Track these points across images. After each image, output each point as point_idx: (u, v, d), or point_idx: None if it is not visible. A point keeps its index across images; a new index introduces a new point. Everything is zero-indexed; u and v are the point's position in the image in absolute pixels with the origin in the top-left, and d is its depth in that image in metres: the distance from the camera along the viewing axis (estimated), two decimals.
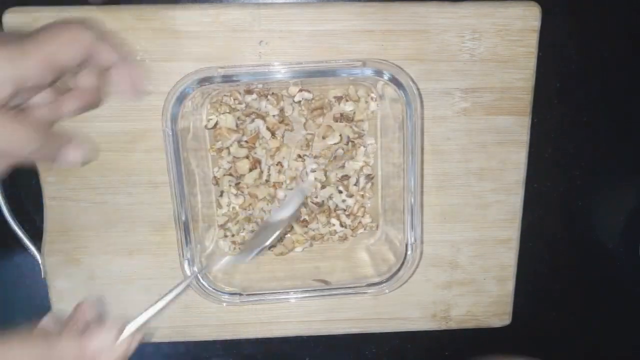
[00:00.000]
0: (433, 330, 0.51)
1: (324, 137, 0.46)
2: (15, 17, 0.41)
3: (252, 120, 0.44)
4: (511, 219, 0.48)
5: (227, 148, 0.45)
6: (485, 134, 0.46)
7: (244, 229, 0.47)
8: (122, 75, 0.37)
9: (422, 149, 0.45)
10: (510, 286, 0.50)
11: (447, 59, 0.44)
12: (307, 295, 0.44)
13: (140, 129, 0.43)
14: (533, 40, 0.44)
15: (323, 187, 0.46)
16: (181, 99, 0.38)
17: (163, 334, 0.49)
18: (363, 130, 0.46)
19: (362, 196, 0.47)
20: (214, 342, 0.52)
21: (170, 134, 0.38)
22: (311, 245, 0.48)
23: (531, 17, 0.43)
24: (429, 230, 0.48)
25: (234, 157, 0.45)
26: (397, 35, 0.43)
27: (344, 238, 0.48)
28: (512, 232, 0.49)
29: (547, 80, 0.47)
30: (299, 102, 0.45)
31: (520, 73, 0.45)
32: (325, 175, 0.46)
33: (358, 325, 0.50)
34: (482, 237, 0.48)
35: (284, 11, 0.42)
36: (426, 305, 0.49)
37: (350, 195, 0.47)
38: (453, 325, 0.50)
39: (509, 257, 0.49)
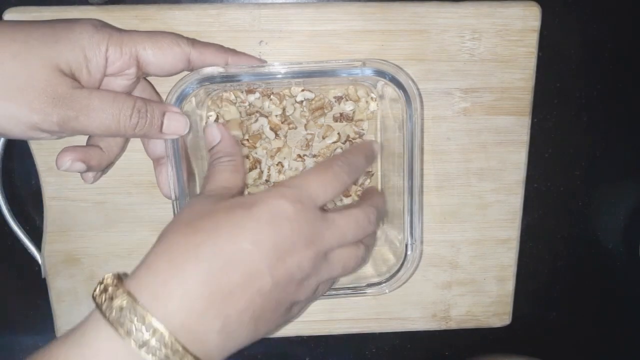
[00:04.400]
0: (433, 330, 0.51)
1: (324, 137, 0.46)
2: (15, 17, 0.41)
3: (256, 120, 0.44)
4: (511, 219, 0.48)
5: None
6: (485, 134, 0.46)
7: None
8: None
9: (422, 149, 0.45)
10: (510, 286, 0.50)
11: (447, 59, 0.44)
12: None
13: None
14: (533, 40, 0.44)
15: None
16: (181, 99, 0.38)
17: None
18: (363, 129, 0.46)
19: (359, 196, 0.47)
20: None
21: None
22: None
23: (531, 17, 0.43)
24: (429, 230, 0.48)
25: None
26: (397, 35, 0.43)
27: None
28: (512, 232, 0.48)
29: (547, 80, 0.47)
30: (301, 102, 0.45)
31: (520, 73, 0.45)
32: None
33: (358, 325, 0.50)
34: (482, 237, 0.48)
35: (283, 11, 0.42)
36: (426, 305, 0.49)
37: (348, 195, 0.47)
38: (453, 325, 0.50)
39: (509, 257, 0.49)
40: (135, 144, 0.44)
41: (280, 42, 0.43)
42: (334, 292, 0.43)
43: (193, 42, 0.38)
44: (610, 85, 0.49)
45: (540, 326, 0.55)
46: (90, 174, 0.40)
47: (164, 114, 0.37)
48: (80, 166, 0.37)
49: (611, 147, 0.50)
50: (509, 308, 0.50)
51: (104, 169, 0.40)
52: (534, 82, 0.45)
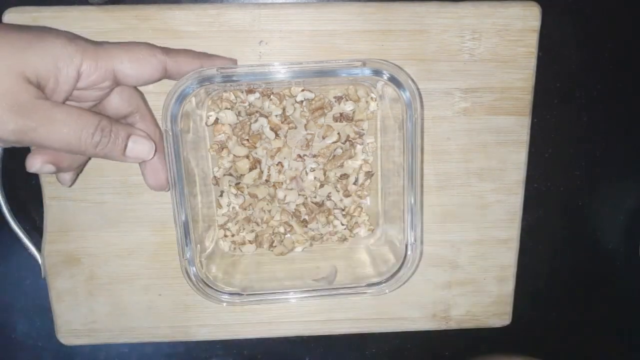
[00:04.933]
0: (433, 330, 0.51)
1: (324, 137, 0.46)
2: (15, 17, 0.41)
3: (256, 120, 0.44)
4: (511, 219, 0.48)
5: (227, 147, 0.45)
6: (485, 134, 0.46)
7: (243, 229, 0.47)
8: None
9: (422, 149, 0.45)
10: (510, 286, 0.50)
11: (447, 59, 0.44)
12: (307, 295, 0.43)
13: None
14: (533, 40, 0.44)
15: (321, 186, 0.46)
16: (181, 99, 0.38)
17: (163, 334, 0.49)
18: (363, 129, 0.46)
19: (359, 196, 0.47)
20: (214, 342, 0.52)
21: (170, 134, 0.38)
22: (311, 245, 0.48)
23: (531, 17, 0.43)
24: (429, 230, 0.48)
25: (234, 156, 0.45)
26: (397, 35, 0.43)
27: (343, 238, 0.48)
28: (512, 232, 0.48)
29: (547, 80, 0.47)
30: (301, 102, 0.45)
31: (520, 73, 0.45)
32: (325, 174, 0.46)
33: (358, 325, 0.50)
34: (482, 237, 0.48)
35: (284, 11, 0.42)
36: (426, 305, 0.49)
37: (348, 195, 0.47)
38: (453, 325, 0.50)
39: (509, 257, 0.49)
40: None
41: (280, 42, 0.43)
42: (334, 292, 0.43)
43: (167, 50, 0.37)
44: (610, 85, 0.49)
45: (540, 326, 0.55)
46: (67, 176, 0.39)
47: (129, 137, 0.37)
48: (50, 168, 0.36)
49: (611, 147, 0.51)
50: (509, 308, 0.50)
51: (80, 170, 0.40)
52: (534, 82, 0.45)
